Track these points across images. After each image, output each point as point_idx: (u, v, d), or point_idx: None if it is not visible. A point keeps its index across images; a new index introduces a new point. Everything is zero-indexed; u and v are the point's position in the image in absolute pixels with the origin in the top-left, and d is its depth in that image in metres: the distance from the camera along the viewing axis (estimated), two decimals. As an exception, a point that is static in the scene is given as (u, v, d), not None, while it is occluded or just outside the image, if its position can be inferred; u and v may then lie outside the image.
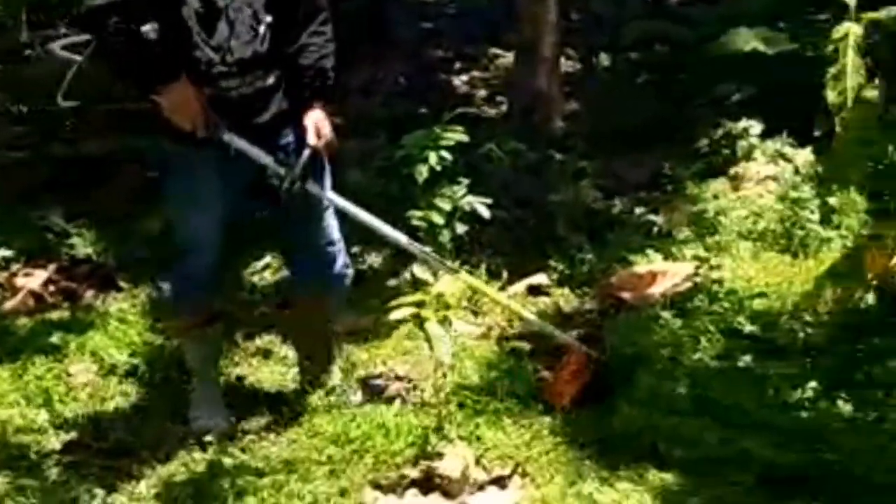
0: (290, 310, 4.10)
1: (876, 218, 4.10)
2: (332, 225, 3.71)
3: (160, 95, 3.38)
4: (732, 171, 5.70)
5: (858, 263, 3.69)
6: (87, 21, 3.48)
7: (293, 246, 3.84)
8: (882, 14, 4.16)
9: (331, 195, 3.63)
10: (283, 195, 3.46)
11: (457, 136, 4.63)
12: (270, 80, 3.53)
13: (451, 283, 3.35)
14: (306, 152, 3.49)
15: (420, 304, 3.30)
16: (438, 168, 4.58)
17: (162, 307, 4.13)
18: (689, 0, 8.77)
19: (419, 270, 3.43)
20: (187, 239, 3.68)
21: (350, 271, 3.87)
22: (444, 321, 3.27)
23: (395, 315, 3.30)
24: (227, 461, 3.48)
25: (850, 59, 4.14)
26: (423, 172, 4.55)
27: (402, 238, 3.73)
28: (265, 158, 3.47)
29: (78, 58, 3.61)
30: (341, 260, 3.77)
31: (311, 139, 3.51)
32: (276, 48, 3.51)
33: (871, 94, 4.03)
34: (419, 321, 3.27)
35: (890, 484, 3.09)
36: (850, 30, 4.18)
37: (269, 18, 3.47)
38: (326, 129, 3.57)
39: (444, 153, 4.59)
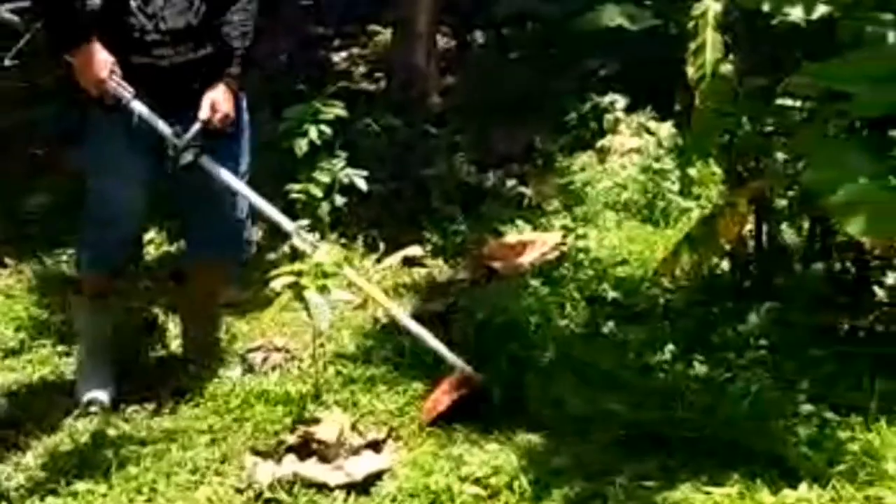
0: (181, 281, 4.11)
1: (730, 187, 4.30)
2: (236, 199, 3.73)
3: (73, 57, 3.43)
4: (599, 143, 5.94)
5: (713, 230, 3.87)
6: None
7: (193, 217, 3.86)
8: (738, -9, 4.31)
9: (223, 172, 3.61)
10: (168, 165, 3.52)
11: (335, 110, 4.73)
12: (201, 53, 3.57)
13: (329, 254, 3.45)
14: (195, 125, 3.52)
15: (299, 274, 3.39)
16: (318, 142, 4.68)
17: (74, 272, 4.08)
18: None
19: (298, 242, 3.52)
20: (107, 204, 3.68)
21: (251, 249, 3.97)
22: (323, 290, 3.37)
23: (274, 284, 3.39)
24: (111, 431, 3.55)
25: (709, 36, 4.30)
26: (302, 146, 4.64)
27: (288, 224, 3.76)
28: (163, 127, 3.50)
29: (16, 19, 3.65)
30: (244, 235, 3.83)
31: (203, 113, 3.55)
32: (208, 22, 3.56)
33: (726, 68, 4.21)
34: (298, 290, 3.37)
35: (735, 440, 3.27)
36: (709, 7, 4.34)
37: None
38: (224, 106, 3.59)
39: (324, 127, 4.68)
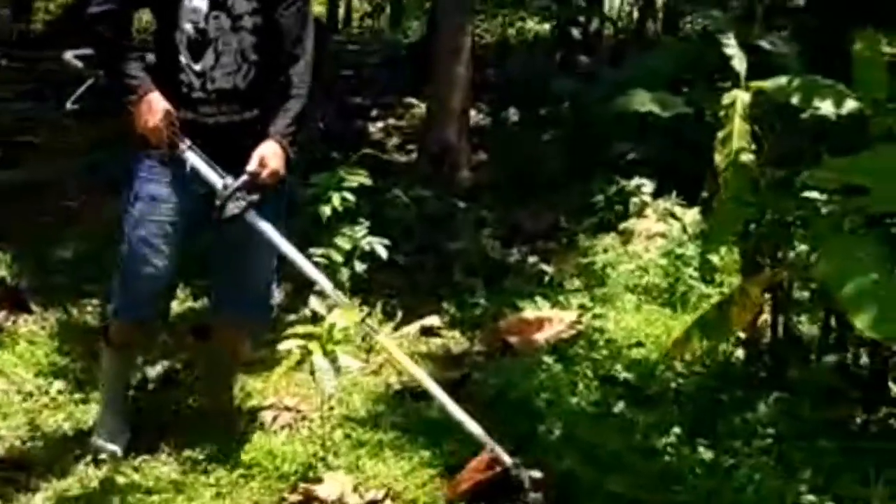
0: (204, 337, 4.13)
1: (745, 275, 4.34)
2: (268, 260, 3.78)
3: (133, 103, 3.51)
4: (623, 226, 6.00)
5: (725, 316, 3.91)
6: (85, 28, 3.57)
7: (226, 274, 3.82)
8: (768, 83, 4.38)
9: (265, 226, 3.58)
10: (214, 215, 3.53)
11: (360, 178, 4.82)
12: (246, 115, 3.62)
13: (342, 318, 3.49)
14: (243, 177, 3.53)
15: (309, 337, 3.45)
16: (341, 209, 4.76)
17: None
18: (595, 61, 9.15)
19: (316, 304, 3.57)
20: (145, 252, 3.62)
21: (275, 311, 4.00)
22: (331, 355, 3.42)
23: (283, 346, 3.44)
24: (120, 479, 3.59)
25: (736, 125, 4.38)
26: (326, 212, 4.73)
27: (327, 284, 3.74)
28: (213, 177, 3.52)
29: (80, 64, 3.71)
30: (271, 296, 3.85)
31: (252, 166, 3.55)
32: (256, 86, 3.62)
33: (748, 157, 4.27)
34: (306, 354, 3.42)
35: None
36: (738, 97, 4.42)
37: (254, 57, 3.58)
38: (272, 162, 3.58)
39: (347, 194, 4.77)
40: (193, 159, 3.53)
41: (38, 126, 7.62)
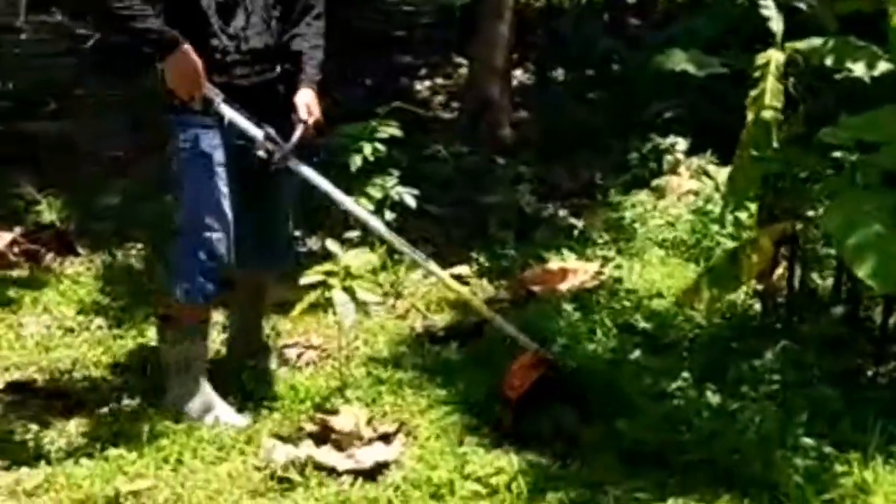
0: (229, 286, 4.09)
1: (761, 227, 4.42)
2: (291, 210, 3.93)
3: (164, 63, 3.45)
4: (655, 183, 6.08)
5: (736, 267, 4.00)
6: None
7: (250, 226, 3.76)
8: (802, 44, 4.42)
9: (310, 173, 3.70)
10: (271, 168, 3.57)
11: (391, 129, 4.96)
12: (277, 71, 3.70)
13: (357, 257, 3.66)
14: (300, 128, 3.63)
15: (330, 274, 3.61)
16: (372, 158, 4.90)
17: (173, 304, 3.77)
18: (645, 24, 9.18)
19: (330, 244, 3.70)
20: (212, 216, 3.62)
21: (297, 260, 4.15)
22: (349, 290, 3.58)
23: (303, 281, 3.60)
24: (149, 410, 3.80)
25: (769, 84, 4.43)
26: (356, 161, 4.87)
27: (377, 224, 3.88)
28: (255, 130, 3.56)
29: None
30: (295, 246, 4.06)
31: (304, 114, 3.65)
32: (282, 41, 3.71)
33: (768, 114, 4.32)
34: (326, 288, 3.58)
35: (734, 466, 3.41)
36: (773, 56, 4.47)
37: (276, 13, 3.67)
38: (316, 109, 3.70)
39: (379, 145, 4.90)
40: (230, 112, 3.55)
41: (83, 82, 7.86)
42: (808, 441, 3.47)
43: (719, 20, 6.82)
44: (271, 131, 3.59)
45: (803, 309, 4.34)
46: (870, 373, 4.03)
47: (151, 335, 4.36)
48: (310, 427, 3.55)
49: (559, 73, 8.73)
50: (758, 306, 4.51)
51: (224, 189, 3.62)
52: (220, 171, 3.61)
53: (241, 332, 4.20)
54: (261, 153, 3.57)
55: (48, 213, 5.83)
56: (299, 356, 4.18)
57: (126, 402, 3.89)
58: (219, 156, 3.61)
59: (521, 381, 3.71)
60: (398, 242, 3.86)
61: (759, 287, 4.45)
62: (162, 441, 3.56)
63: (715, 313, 4.50)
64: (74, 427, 3.73)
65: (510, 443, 3.61)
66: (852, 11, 4.51)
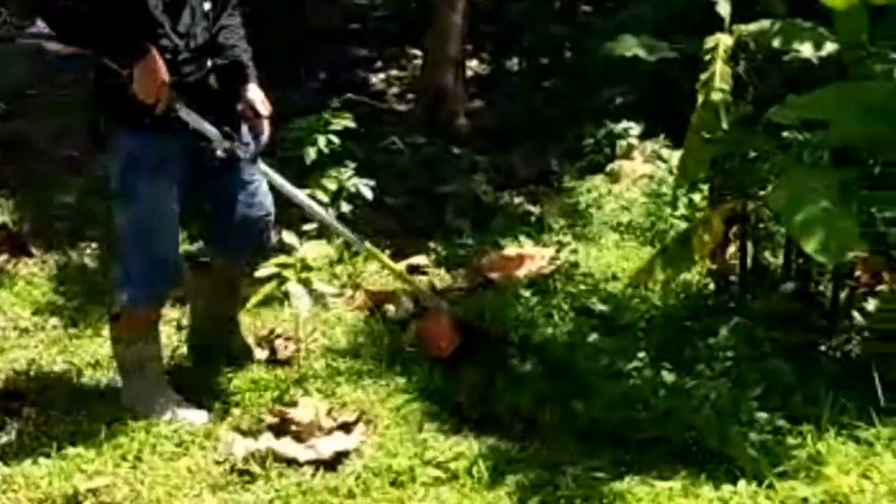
0: (207, 274, 4.09)
1: (712, 207, 4.47)
2: (270, 196, 3.90)
3: (133, 69, 3.41)
4: (610, 167, 6.13)
5: (688, 246, 4.04)
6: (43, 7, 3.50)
7: (228, 213, 3.81)
8: (751, 27, 4.46)
9: (267, 169, 3.81)
10: (210, 161, 3.60)
11: (345, 121, 4.97)
12: (209, 64, 3.65)
13: (314, 248, 3.67)
14: (265, 125, 3.69)
15: (285, 266, 3.62)
16: (326, 151, 4.91)
17: (120, 308, 3.76)
18: (597, 12, 9.22)
19: (287, 236, 3.71)
20: (158, 225, 3.64)
21: (273, 243, 4.07)
22: (305, 281, 3.59)
23: (259, 273, 3.61)
24: (103, 407, 3.79)
25: (718, 67, 4.47)
26: (311, 154, 4.88)
27: (326, 216, 3.99)
28: (214, 131, 3.59)
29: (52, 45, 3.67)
30: (271, 231, 3.95)
31: (264, 110, 3.69)
32: (213, 36, 3.68)
33: (716, 97, 4.36)
34: (281, 280, 3.59)
35: (690, 442, 3.47)
36: (721, 40, 4.51)
37: (208, 5, 3.63)
38: (268, 103, 3.75)
39: (333, 137, 4.91)
40: (191, 116, 3.55)
41: (41, 81, 7.82)
42: (762, 415, 3.53)
43: (667, 5, 6.88)
44: (228, 130, 3.61)
45: (755, 286, 4.40)
46: (821, 347, 4.08)
47: (107, 334, 4.34)
48: (269, 419, 3.56)
49: (513, 63, 8.76)
50: (711, 285, 4.56)
51: (175, 191, 3.62)
52: (171, 174, 3.60)
53: (213, 317, 4.12)
54: (220, 153, 3.59)
55: (1, 214, 5.80)
56: (260, 348, 4.17)
57: (83, 400, 3.89)
58: (170, 159, 3.59)
59: (447, 342, 4.01)
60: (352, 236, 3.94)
61: (713, 266, 4.50)
62: (120, 438, 3.56)
63: (670, 293, 4.57)
64: (32, 427, 3.71)
65: (469, 428, 3.66)
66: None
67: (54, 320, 4.56)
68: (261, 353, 4.17)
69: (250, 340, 4.22)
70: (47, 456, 3.46)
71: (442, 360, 4.04)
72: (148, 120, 3.49)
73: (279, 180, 3.80)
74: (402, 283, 4.41)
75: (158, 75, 3.44)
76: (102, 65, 3.49)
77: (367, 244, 4.17)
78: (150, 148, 3.56)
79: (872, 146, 3.91)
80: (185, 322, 4.34)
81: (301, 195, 3.91)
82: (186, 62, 3.59)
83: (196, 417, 3.72)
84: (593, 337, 4.22)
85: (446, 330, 4.12)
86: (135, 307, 3.70)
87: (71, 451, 3.48)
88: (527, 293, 4.54)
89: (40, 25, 3.75)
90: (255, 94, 3.74)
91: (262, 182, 3.85)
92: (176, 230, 3.69)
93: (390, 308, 4.52)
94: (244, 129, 3.74)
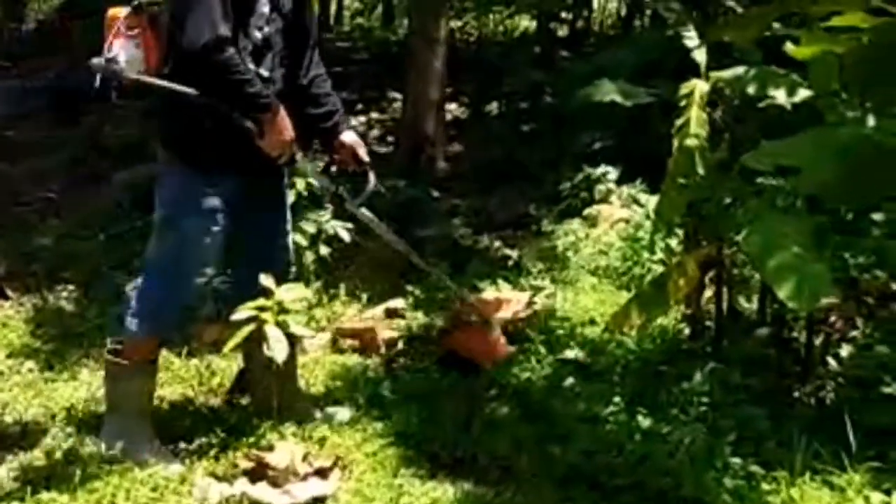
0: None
1: (687, 252, 4.50)
2: (290, 250, 3.99)
3: (265, 123, 3.51)
4: (587, 212, 6.17)
5: (663, 290, 4.06)
6: (207, 52, 3.42)
7: (258, 261, 3.77)
8: (726, 73, 4.51)
9: (369, 214, 4.10)
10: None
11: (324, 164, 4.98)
12: (289, 110, 3.64)
13: (291, 291, 3.67)
14: (372, 177, 3.95)
15: (262, 309, 3.61)
16: (305, 193, 4.94)
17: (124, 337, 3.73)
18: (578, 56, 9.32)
19: (264, 279, 3.69)
20: (188, 266, 3.68)
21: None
22: (282, 324, 3.59)
23: (234, 317, 3.60)
24: (83, 450, 3.77)
25: (694, 113, 4.52)
26: (290, 197, 4.88)
27: (412, 253, 4.23)
28: (324, 180, 3.91)
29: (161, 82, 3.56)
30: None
31: (366, 157, 3.95)
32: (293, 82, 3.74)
33: (692, 142, 4.41)
34: (259, 324, 3.58)
35: (666, 487, 3.49)
36: (696, 86, 4.56)
37: (286, 52, 3.68)
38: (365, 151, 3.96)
39: (312, 180, 4.93)
40: (308, 167, 3.76)
41: (21, 122, 7.86)
42: (736, 461, 3.56)
43: (644, 51, 6.96)
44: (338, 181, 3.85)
45: (731, 331, 4.43)
46: (795, 392, 4.12)
47: (83, 377, 4.38)
48: (245, 464, 3.54)
49: (493, 107, 8.83)
50: (687, 330, 4.59)
51: (220, 239, 3.66)
52: (221, 221, 3.64)
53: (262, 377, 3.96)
54: (328, 200, 3.90)
55: (-23, 257, 5.81)
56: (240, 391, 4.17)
57: (58, 444, 3.86)
58: (221, 206, 3.63)
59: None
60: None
61: (688, 311, 4.54)
62: (95, 483, 3.53)
63: (645, 338, 4.58)
64: (5, 471, 3.68)
65: (445, 473, 3.66)
66: (773, 41, 4.63)
67: (30, 363, 4.55)
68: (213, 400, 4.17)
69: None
70: (21, 500, 3.43)
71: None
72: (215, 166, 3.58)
73: (375, 220, 4.15)
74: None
75: (287, 132, 3.56)
76: (204, 106, 3.51)
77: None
78: (211, 190, 3.62)
79: (845, 193, 3.95)
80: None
81: (389, 233, 4.23)
82: None
83: (171, 468, 3.67)
84: (570, 381, 4.25)
85: (500, 338, 4.38)
86: (140, 338, 3.71)
87: (45, 495, 3.44)
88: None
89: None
90: (354, 140, 3.91)
91: (290, 236, 3.97)
92: (209, 271, 3.75)
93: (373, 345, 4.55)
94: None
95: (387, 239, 4.14)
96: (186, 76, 3.51)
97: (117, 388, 3.79)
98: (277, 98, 3.61)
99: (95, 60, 3.57)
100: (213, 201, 3.62)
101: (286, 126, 3.56)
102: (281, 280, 3.73)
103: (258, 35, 3.58)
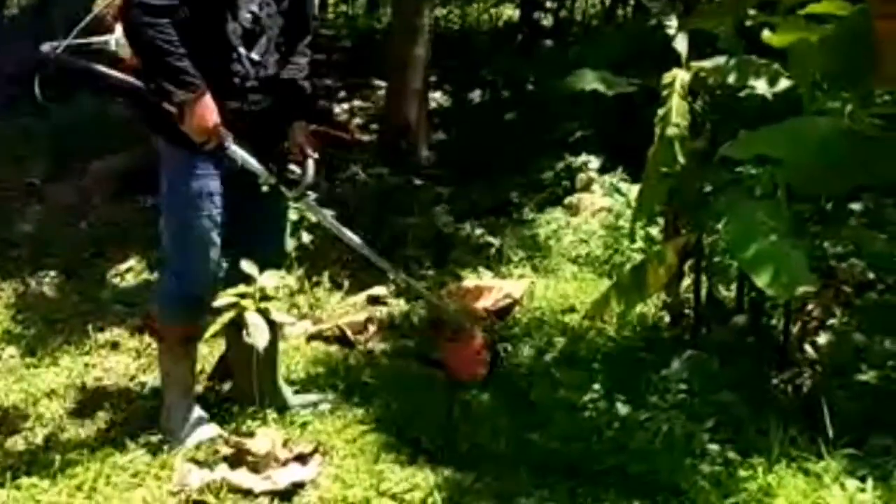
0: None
1: (665, 239, 4.53)
2: (285, 236, 4.00)
3: (182, 105, 3.43)
4: (569, 200, 6.19)
5: (641, 279, 4.08)
6: (137, 14, 3.39)
7: (254, 250, 3.72)
8: (707, 63, 4.53)
9: (313, 205, 4.01)
10: (290, 203, 3.85)
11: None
12: (274, 98, 3.67)
13: (273, 278, 3.67)
14: (310, 165, 3.75)
15: (243, 296, 3.62)
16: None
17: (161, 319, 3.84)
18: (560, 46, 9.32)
19: (246, 266, 3.70)
20: (207, 244, 3.65)
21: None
22: (263, 311, 3.59)
23: (216, 303, 3.60)
24: (63, 436, 3.79)
25: (675, 103, 4.54)
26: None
27: (369, 250, 4.12)
28: (260, 169, 3.64)
29: (99, 67, 3.55)
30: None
31: (311, 151, 3.76)
32: (281, 69, 3.71)
33: (672, 132, 4.43)
34: (240, 310, 3.59)
35: (643, 473, 3.50)
36: (678, 75, 4.58)
37: (281, 40, 3.66)
38: (315, 144, 3.79)
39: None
40: (241, 154, 3.58)
41: (2, 108, 7.82)
42: (713, 447, 3.58)
43: (624, 40, 6.98)
44: (272, 167, 3.69)
45: (709, 319, 4.45)
46: (773, 380, 4.12)
47: (65, 363, 4.40)
48: (225, 450, 3.55)
49: (475, 95, 8.84)
50: (667, 318, 4.62)
51: (219, 220, 3.64)
52: (218, 202, 3.62)
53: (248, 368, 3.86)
54: (265, 188, 3.68)
55: (-41, 243, 5.80)
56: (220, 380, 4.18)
57: (39, 430, 3.89)
58: (217, 189, 3.61)
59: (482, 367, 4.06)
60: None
61: (667, 299, 4.56)
62: (75, 468, 3.55)
63: (625, 326, 4.61)
64: (-13, 457, 3.72)
65: (425, 459, 3.67)
66: (755, 30, 4.66)
67: (11, 349, 4.56)
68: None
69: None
70: (1, 486, 3.45)
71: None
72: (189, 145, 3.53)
73: (326, 216, 4.03)
74: (435, 307, 4.46)
75: (208, 118, 3.46)
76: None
77: (403, 275, 4.41)
78: (205, 172, 3.59)
79: (823, 182, 3.98)
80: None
81: (344, 230, 4.03)
82: (254, 90, 3.60)
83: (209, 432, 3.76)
84: (549, 369, 4.27)
85: (480, 354, 4.13)
86: (169, 323, 3.78)
87: (26, 481, 3.47)
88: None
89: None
90: (302, 134, 3.79)
91: (287, 224, 3.97)
92: (215, 254, 3.68)
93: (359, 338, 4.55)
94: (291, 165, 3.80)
95: (338, 234, 4.02)
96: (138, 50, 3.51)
97: (162, 366, 3.88)
98: (270, 85, 3.61)
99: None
100: (206, 183, 3.60)
101: (206, 110, 3.44)
102: (274, 265, 3.74)
103: (248, 17, 3.54)
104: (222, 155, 3.55)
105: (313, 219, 4.99)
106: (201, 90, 3.43)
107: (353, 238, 4.04)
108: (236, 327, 3.63)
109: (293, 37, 3.74)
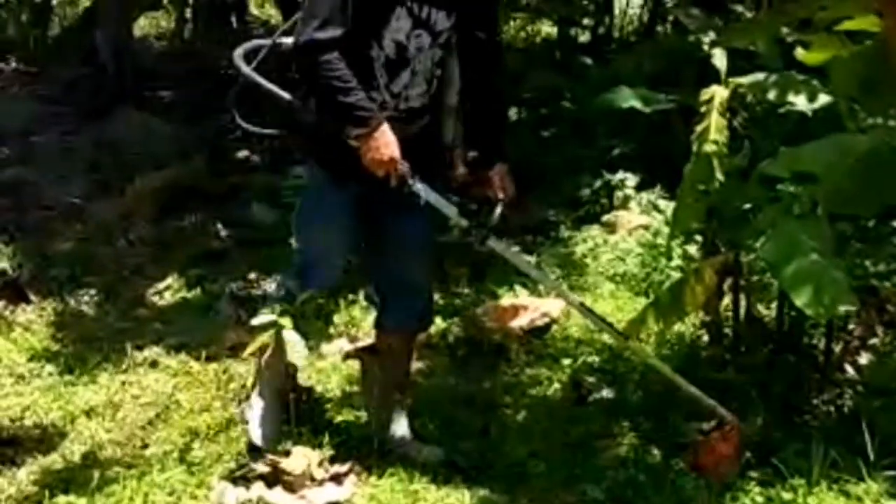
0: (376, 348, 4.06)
1: (704, 257, 4.50)
2: (427, 271, 4.00)
3: (362, 138, 3.39)
4: (606, 218, 6.16)
5: (679, 298, 4.05)
6: (304, 54, 3.41)
7: (398, 284, 3.84)
8: (746, 79, 4.50)
9: (496, 246, 3.86)
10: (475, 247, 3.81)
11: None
12: (422, 125, 3.63)
13: (312, 298, 3.70)
14: (498, 209, 3.74)
15: (282, 314, 3.63)
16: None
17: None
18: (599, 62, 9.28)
19: (292, 285, 3.71)
20: (318, 259, 3.73)
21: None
22: (300, 329, 3.60)
23: (255, 321, 3.62)
24: (101, 454, 3.82)
25: (714, 119, 4.51)
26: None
27: (548, 280, 4.24)
28: (450, 210, 3.64)
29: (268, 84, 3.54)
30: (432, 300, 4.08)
31: (501, 194, 3.77)
32: (436, 99, 3.67)
33: (710, 148, 4.40)
34: (277, 328, 3.60)
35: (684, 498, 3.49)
36: (716, 92, 4.55)
37: (438, 72, 3.59)
38: (511, 186, 3.81)
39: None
40: (427, 191, 3.54)
41: (46, 126, 7.91)
42: (753, 470, 3.54)
43: (662, 57, 6.94)
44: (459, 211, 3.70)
45: (749, 338, 4.41)
46: (813, 400, 4.09)
47: (103, 381, 4.42)
48: (261, 468, 3.56)
49: (512, 112, 8.81)
50: (705, 337, 4.58)
51: (341, 243, 3.73)
52: (340, 226, 3.67)
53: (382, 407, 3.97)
54: (456, 232, 3.80)
55: (0, 260, 5.83)
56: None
57: (77, 448, 3.92)
58: (340, 212, 3.64)
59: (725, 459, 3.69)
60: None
61: (706, 318, 4.52)
62: (112, 486, 3.57)
63: (663, 345, 4.58)
64: (25, 475, 3.75)
65: (461, 479, 3.65)
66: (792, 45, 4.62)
67: (50, 367, 4.59)
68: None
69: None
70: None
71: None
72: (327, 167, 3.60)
73: (514, 253, 4.21)
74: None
75: (383, 152, 3.40)
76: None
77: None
78: (330, 189, 3.63)
79: (864, 200, 3.94)
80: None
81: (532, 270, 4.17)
82: (391, 120, 3.47)
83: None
84: (586, 389, 4.25)
85: (738, 452, 3.71)
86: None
87: (63, 499, 3.49)
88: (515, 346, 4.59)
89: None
90: (498, 172, 3.82)
91: (424, 248, 3.92)
92: (332, 270, 3.78)
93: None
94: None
95: (525, 269, 4.21)
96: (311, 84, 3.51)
97: (268, 379, 3.85)
98: (411, 116, 3.56)
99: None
100: (339, 199, 3.60)
101: (384, 144, 3.38)
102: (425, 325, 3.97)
103: (391, 46, 3.44)
104: (408, 192, 3.50)
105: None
106: (376, 123, 3.39)
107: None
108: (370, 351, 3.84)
109: (469, 73, 3.70)
